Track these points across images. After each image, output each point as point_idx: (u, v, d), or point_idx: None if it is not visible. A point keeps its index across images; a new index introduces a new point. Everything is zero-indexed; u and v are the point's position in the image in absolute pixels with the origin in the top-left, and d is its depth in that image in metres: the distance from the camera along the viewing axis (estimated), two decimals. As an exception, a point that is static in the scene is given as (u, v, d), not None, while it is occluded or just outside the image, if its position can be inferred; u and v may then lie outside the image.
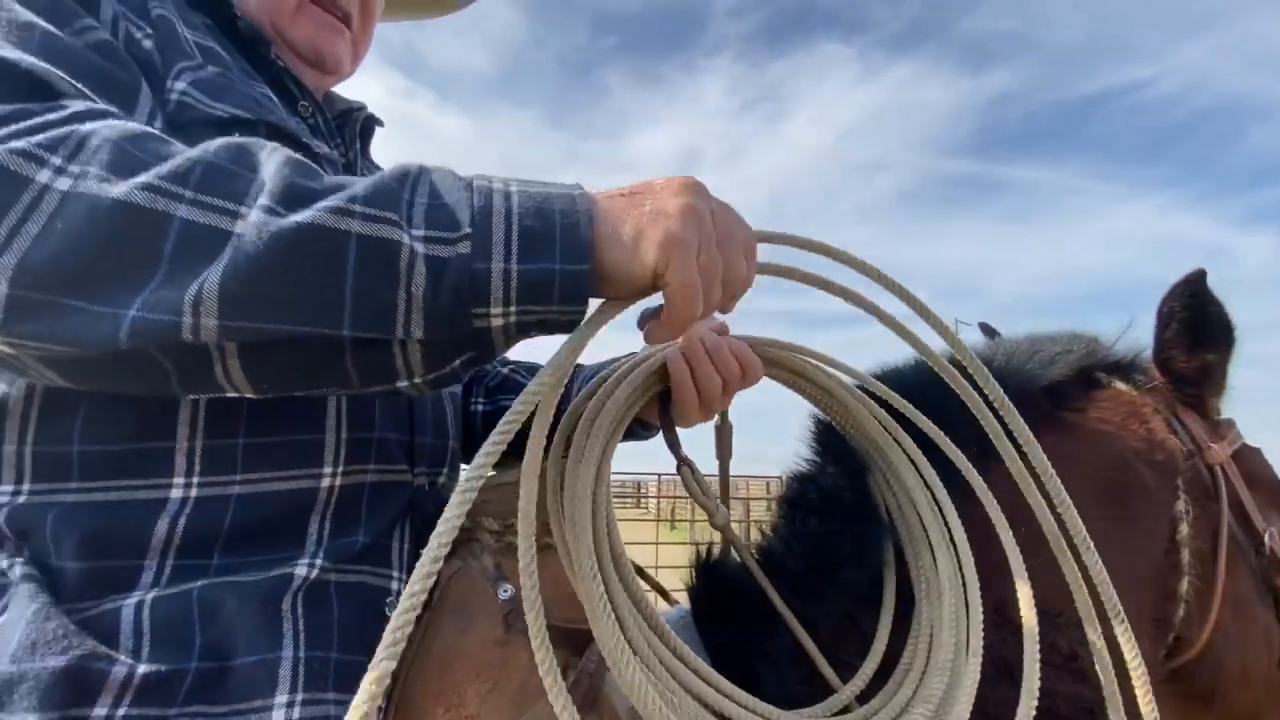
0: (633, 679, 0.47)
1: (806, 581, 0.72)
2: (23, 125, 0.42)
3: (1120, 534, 0.78)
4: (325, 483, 0.57)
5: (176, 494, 0.50)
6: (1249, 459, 0.90)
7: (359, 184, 0.45)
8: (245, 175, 0.44)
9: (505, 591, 0.63)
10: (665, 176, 0.51)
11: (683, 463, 0.74)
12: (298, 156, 0.47)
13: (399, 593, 0.60)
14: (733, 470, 0.81)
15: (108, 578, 0.48)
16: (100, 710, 0.43)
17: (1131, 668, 0.57)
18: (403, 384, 0.48)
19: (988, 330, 1.06)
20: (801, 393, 0.77)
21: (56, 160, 0.41)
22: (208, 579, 0.50)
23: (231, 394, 0.46)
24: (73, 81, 0.48)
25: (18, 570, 0.46)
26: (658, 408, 0.73)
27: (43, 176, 0.40)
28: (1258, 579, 0.84)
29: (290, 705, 0.48)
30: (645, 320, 0.56)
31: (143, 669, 0.45)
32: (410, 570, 0.62)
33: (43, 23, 0.51)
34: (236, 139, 0.47)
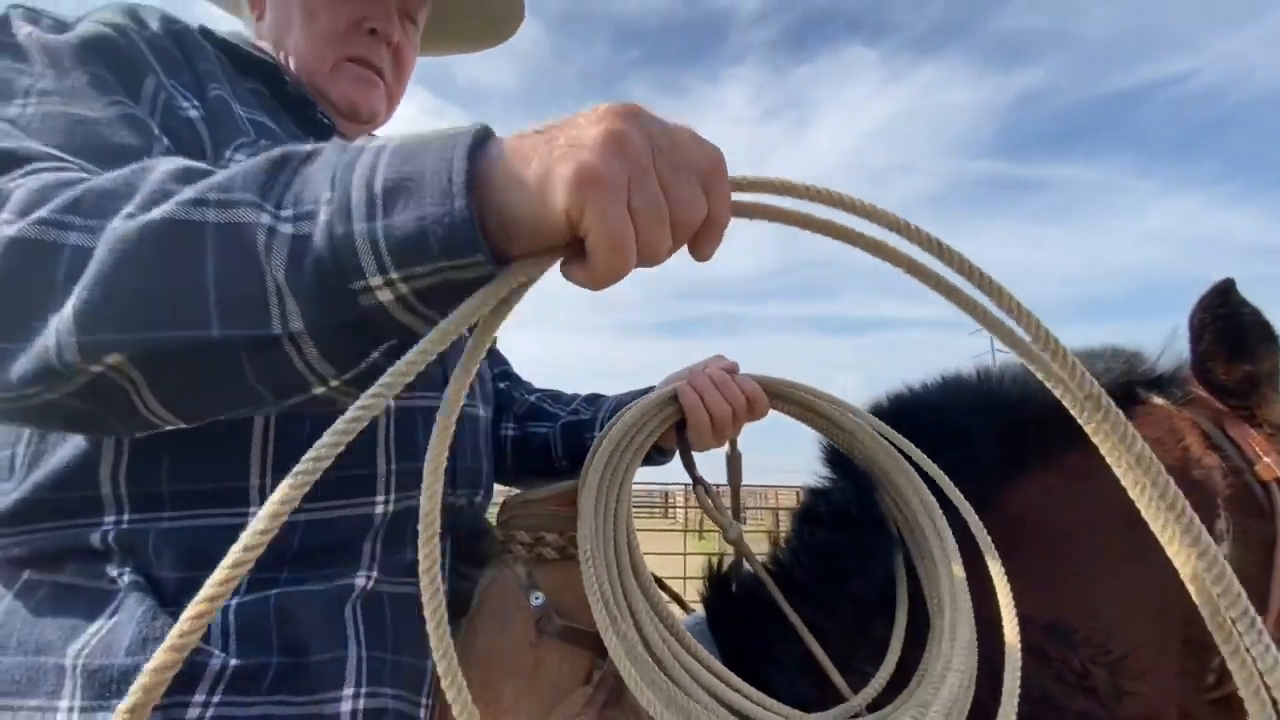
0: (634, 677, 0.52)
1: (816, 591, 0.77)
2: None
3: (1142, 555, 0.75)
4: (379, 509, 0.63)
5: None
6: None
7: (237, 169, 0.42)
8: (133, 187, 0.42)
9: (536, 599, 0.70)
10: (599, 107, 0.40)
11: (697, 482, 0.80)
12: (195, 164, 0.45)
13: (437, 596, 0.67)
14: (764, 481, 0.87)
15: (200, 585, 0.55)
16: (199, 697, 0.50)
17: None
18: (319, 390, 0.44)
19: None
20: (811, 425, 0.83)
21: None
22: (279, 589, 0.57)
23: (167, 426, 0.46)
24: (57, 153, 0.49)
25: (126, 578, 0.53)
26: (675, 434, 0.80)
27: None
28: None
29: (356, 697, 0.55)
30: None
31: (234, 662, 0.52)
32: (449, 581, 0.69)
33: (58, 106, 0.54)
34: (145, 162, 0.45)
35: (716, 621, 0.78)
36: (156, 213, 0.39)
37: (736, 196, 0.44)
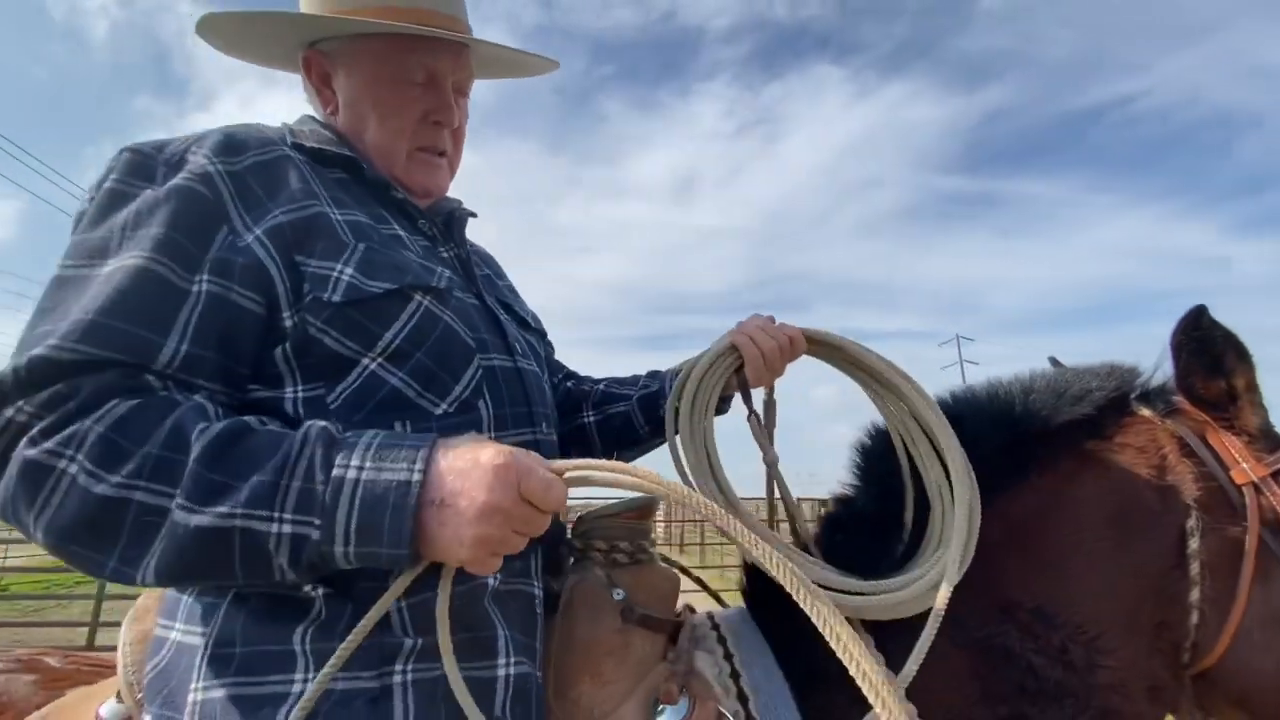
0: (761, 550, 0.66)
1: (844, 522, 0.96)
2: (48, 422, 0.59)
3: (1123, 549, 0.86)
4: None
5: None
6: None
7: (249, 483, 0.59)
8: (177, 464, 0.59)
9: (618, 594, 0.85)
10: (484, 461, 0.61)
11: (752, 413, 0.99)
12: (217, 436, 0.61)
13: (541, 597, 0.81)
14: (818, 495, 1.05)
15: (370, 591, 0.69)
16: (399, 666, 0.66)
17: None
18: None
19: (1055, 363, 1.11)
20: (840, 367, 1.01)
21: (69, 452, 0.58)
22: (435, 590, 0.71)
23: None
24: (121, 348, 0.63)
25: (320, 589, 0.69)
26: (734, 377, 0.98)
27: (60, 465, 0.58)
28: None
29: (508, 665, 0.70)
30: None
31: (420, 641, 0.67)
32: (543, 579, 0.83)
33: (126, 281, 0.65)
34: (179, 421, 0.61)
35: (754, 604, 0.95)
36: (205, 521, 0.58)
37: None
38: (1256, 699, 0.84)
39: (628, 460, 1.02)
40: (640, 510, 0.93)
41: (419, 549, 0.61)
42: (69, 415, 0.60)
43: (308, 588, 0.69)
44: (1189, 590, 0.83)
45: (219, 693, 0.64)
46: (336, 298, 0.73)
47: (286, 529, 0.59)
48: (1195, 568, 0.83)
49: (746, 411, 1.00)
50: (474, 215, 1.06)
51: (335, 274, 0.74)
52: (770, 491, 1.04)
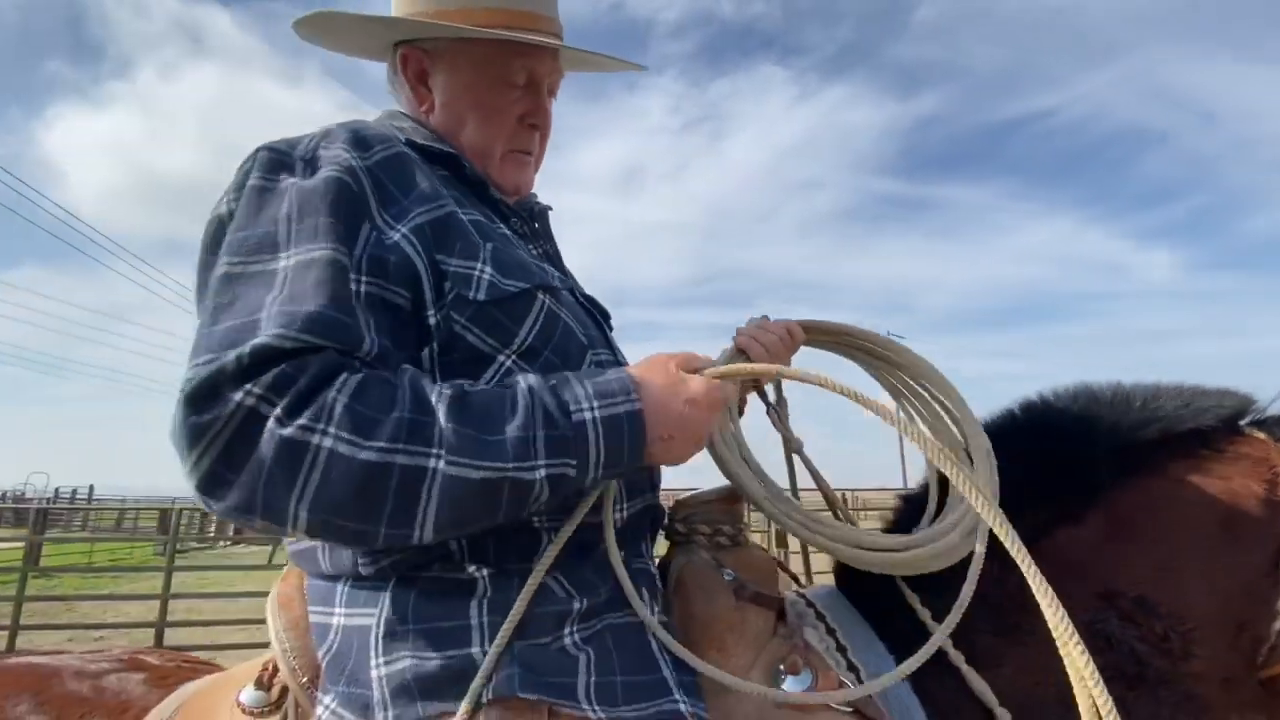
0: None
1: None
2: (288, 401, 0.60)
3: (1225, 551, 0.92)
4: (616, 517, 0.84)
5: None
6: None
7: (509, 438, 0.65)
8: (427, 424, 0.63)
9: (728, 575, 0.90)
10: (690, 383, 0.74)
11: (770, 406, 1.07)
12: (454, 397, 0.66)
13: (653, 570, 0.88)
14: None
15: (522, 574, 0.76)
16: (568, 629, 0.73)
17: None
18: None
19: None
20: (838, 351, 1.09)
21: (320, 426, 0.60)
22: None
23: None
24: (332, 333, 0.65)
25: (485, 570, 0.75)
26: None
27: (315, 440, 0.60)
28: None
29: (652, 613, 0.79)
30: None
31: (585, 602, 0.75)
32: (653, 557, 0.90)
33: (308, 271, 0.68)
34: (414, 383, 0.66)
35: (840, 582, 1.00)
36: (476, 475, 0.63)
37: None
38: None
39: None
40: (734, 495, 0.98)
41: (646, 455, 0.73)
42: (306, 392, 0.61)
43: (471, 568, 0.74)
44: (1277, 598, 0.89)
45: (401, 665, 0.69)
46: (480, 296, 0.78)
47: (544, 473, 0.66)
48: None
49: (765, 408, 1.08)
50: (550, 209, 1.10)
51: (477, 273, 0.79)
52: (792, 473, 1.12)
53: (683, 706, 0.72)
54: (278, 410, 0.60)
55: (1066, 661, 0.63)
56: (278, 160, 0.77)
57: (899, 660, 0.85)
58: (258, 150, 0.79)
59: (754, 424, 1.10)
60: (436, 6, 0.94)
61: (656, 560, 0.94)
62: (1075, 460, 0.96)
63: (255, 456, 0.59)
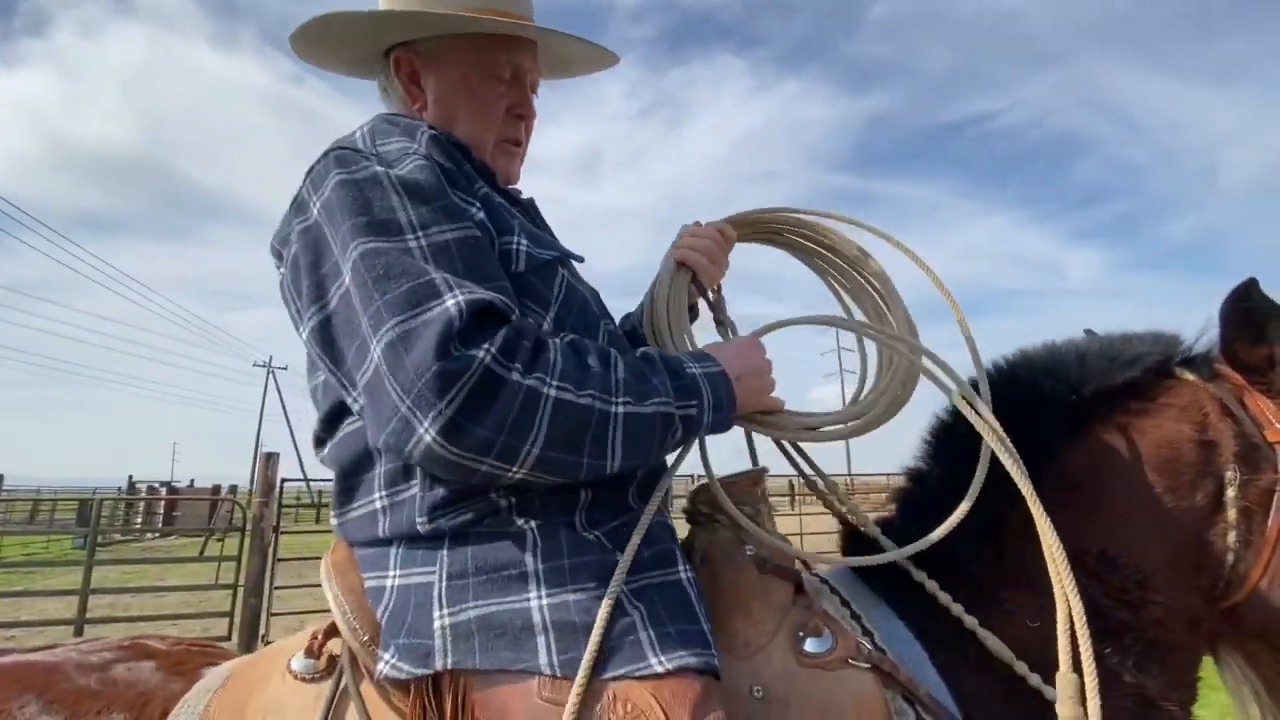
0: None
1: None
2: (522, 360, 0.72)
3: (1170, 497, 0.96)
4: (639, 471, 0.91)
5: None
6: None
7: (656, 379, 0.80)
8: (610, 381, 0.76)
9: (748, 550, 0.97)
10: (743, 347, 0.94)
11: (712, 307, 1.17)
12: (635, 361, 0.82)
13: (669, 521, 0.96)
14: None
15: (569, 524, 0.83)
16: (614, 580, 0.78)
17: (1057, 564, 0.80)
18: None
19: (1090, 333, 1.18)
20: (780, 245, 1.21)
21: (549, 379, 0.72)
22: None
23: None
24: (500, 296, 0.76)
25: (533, 522, 0.80)
26: (692, 288, 1.14)
27: (546, 390, 0.72)
28: None
29: (686, 570, 0.86)
30: None
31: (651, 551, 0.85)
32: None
33: (445, 236, 0.77)
34: (599, 348, 0.81)
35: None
36: (646, 409, 0.78)
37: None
38: (1269, 635, 0.95)
39: None
40: (753, 478, 1.06)
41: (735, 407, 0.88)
42: (533, 351, 0.73)
43: (520, 521, 0.79)
44: (1226, 533, 0.94)
45: (467, 614, 0.74)
46: (520, 268, 0.86)
47: (683, 411, 0.81)
48: (1232, 514, 0.94)
49: (711, 313, 1.19)
50: (533, 200, 1.17)
51: (515, 246, 0.87)
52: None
53: (716, 661, 0.78)
54: (517, 366, 0.71)
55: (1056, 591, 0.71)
56: (352, 156, 0.82)
57: (906, 625, 0.95)
58: (328, 152, 0.84)
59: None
60: (422, 6, 0.99)
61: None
62: (1027, 433, 0.96)
63: (498, 405, 0.69)
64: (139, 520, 17.43)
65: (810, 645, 0.88)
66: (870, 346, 1.20)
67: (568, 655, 0.71)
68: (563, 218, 1.23)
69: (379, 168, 0.80)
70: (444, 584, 0.76)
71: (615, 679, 0.71)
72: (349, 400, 0.82)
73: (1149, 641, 0.92)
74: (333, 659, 0.85)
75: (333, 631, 0.86)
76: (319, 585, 0.86)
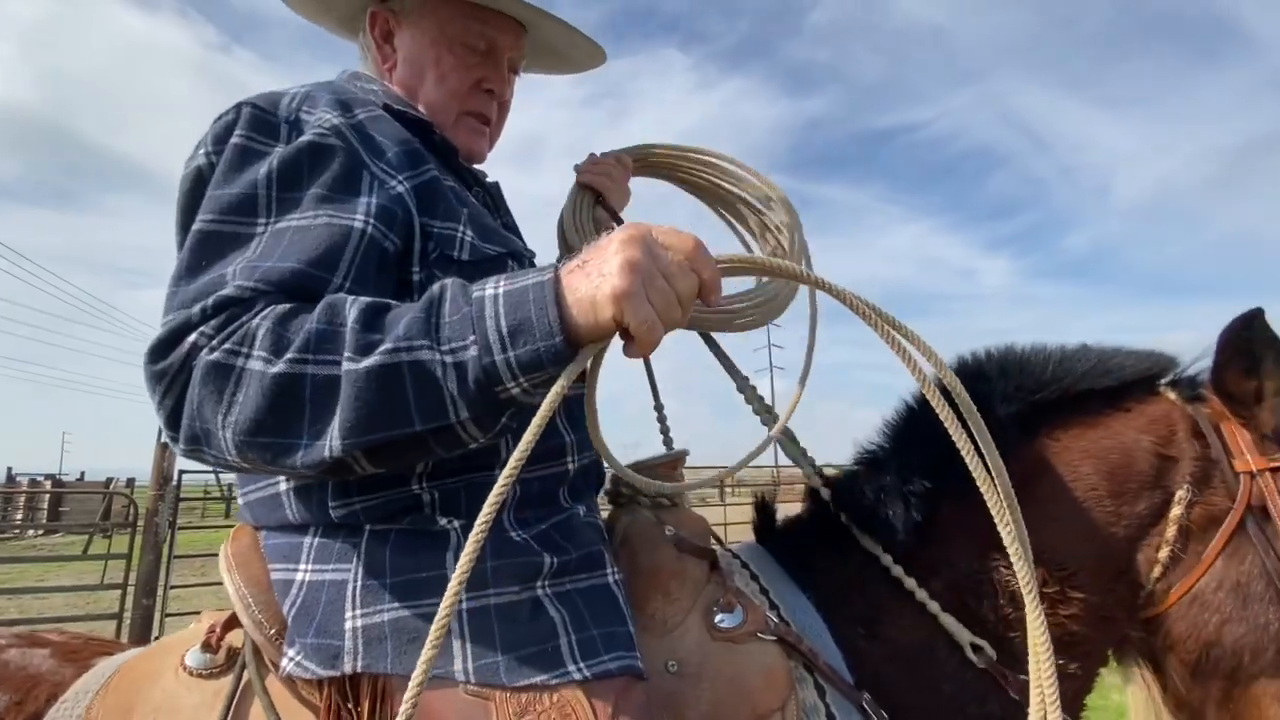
0: None
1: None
2: (223, 333, 0.64)
3: (1109, 500, 0.97)
4: (571, 468, 0.91)
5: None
6: None
7: (403, 322, 0.61)
8: (338, 332, 0.62)
9: (669, 530, 1.00)
10: (613, 235, 0.63)
11: (613, 216, 1.15)
12: (368, 306, 0.64)
13: (601, 524, 0.96)
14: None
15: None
16: (539, 583, 0.77)
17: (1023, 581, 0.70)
18: (473, 445, 0.67)
19: (1084, 346, 1.14)
20: (683, 186, 1.22)
21: (244, 350, 0.63)
22: (549, 521, 0.84)
23: (367, 474, 0.68)
24: (282, 276, 0.67)
25: (457, 523, 0.77)
26: (600, 207, 1.15)
27: (239, 363, 0.63)
28: (1275, 577, 0.91)
29: (614, 573, 0.84)
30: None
31: (555, 560, 0.80)
32: (600, 516, 0.97)
33: (290, 222, 0.71)
34: (331, 300, 0.65)
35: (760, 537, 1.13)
36: (373, 361, 0.60)
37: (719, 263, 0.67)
38: (1186, 647, 0.95)
39: None
40: (674, 462, 1.08)
41: (572, 336, 0.60)
42: (240, 322, 0.65)
43: (443, 521, 0.77)
44: (1159, 547, 0.95)
45: (380, 618, 0.71)
46: (464, 256, 0.82)
47: (449, 357, 0.60)
48: (1171, 531, 0.95)
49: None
50: (498, 184, 1.15)
51: (459, 235, 0.83)
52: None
53: (638, 663, 0.76)
54: (212, 341, 0.64)
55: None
56: (262, 120, 0.78)
57: (809, 598, 1.00)
58: (241, 105, 0.79)
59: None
60: None
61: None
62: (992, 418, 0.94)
63: (191, 380, 0.64)
64: (19, 516, 15.84)
65: (722, 620, 0.91)
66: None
67: (484, 661, 0.70)
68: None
69: (276, 145, 0.77)
70: (359, 583, 0.73)
71: (533, 686, 0.69)
72: None
73: (1061, 633, 0.93)
74: (232, 653, 0.81)
75: (232, 624, 0.82)
76: (221, 583, 0.82)
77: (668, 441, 1.15)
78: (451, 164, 0.98)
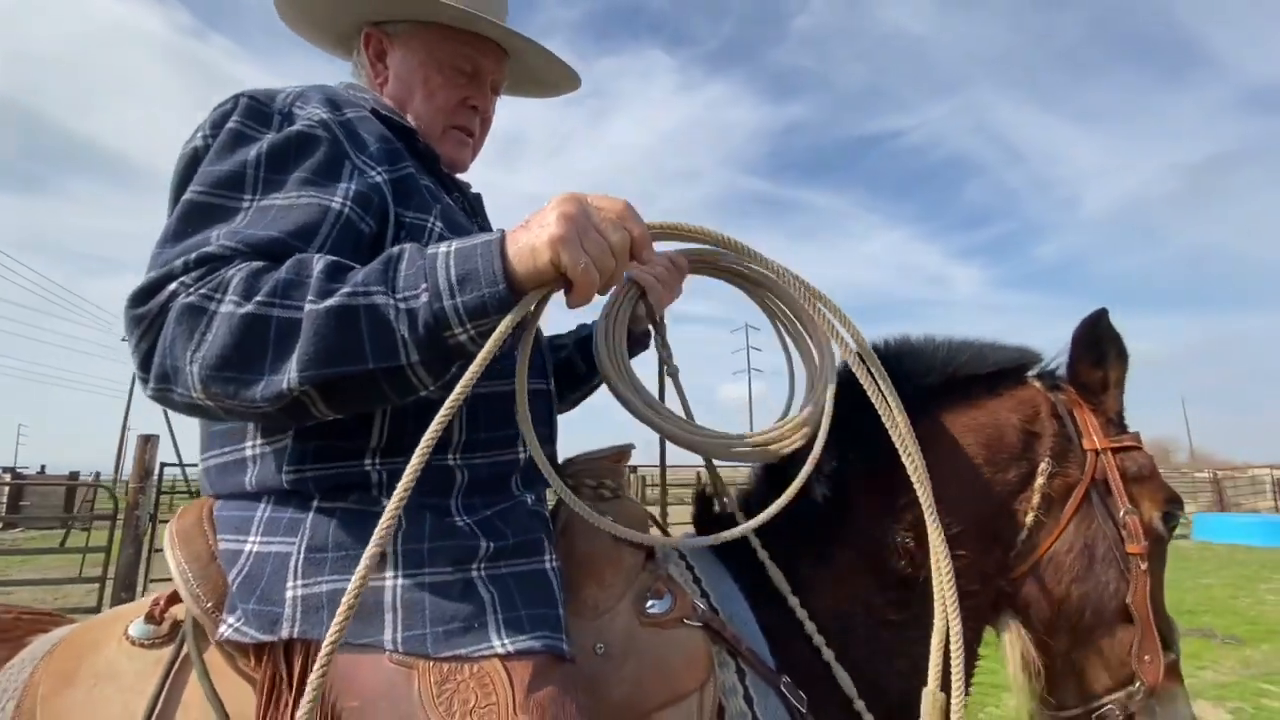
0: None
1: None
2: (200, 281, 0.69)
3: (986, 470, 1.08)
4: (522, 457, 0.94)
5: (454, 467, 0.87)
6: (1133, 459, 1.11)
7: (363, 273, 0.68)
8: (306, 282, 0.68)
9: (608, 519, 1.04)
10: (551, 199, 0.71)
11: (659, 331, 1.16)
12: (341, 263, 0.70)
13: (547, 514, 0.99)
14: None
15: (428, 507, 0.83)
16: (474, 565, 0.80)
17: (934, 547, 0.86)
18: (423, 392, 0.72)
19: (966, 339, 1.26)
20: (729, 281, 1.18)
21: (218, 295, 0.68)
22: (494, 508, 0.88)
23: (325, 419, 0.73)
24: (260, 242, 0.73)
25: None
26: (642, 304, 1.13)
27: (211, 306, 0.68)
28: (1113, 543, 1.05)
29: (552, 559, 0.87)
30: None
31: (492, 544, 0.83)
32: (547, 506, 1.01)
33: (275, 200, 0.78)
34: (300, 257, 0.71)
35: (700, 528, 1.17)
36: (332, 301, 0.66)
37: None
38: (1037, 605, 1.07)
39: (570, 399, 1.30)
40: (618, 455, 1.12)
41: (515, 283, 0.68)
42: (218, 273, 0.70)
43: (385, 501, 0.79)
44: (1027, 512, 1.07)
45: (319, 589, 0.75)
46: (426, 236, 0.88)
47: (403, 304, 0.67)
48: (1037, 498, 1.07)
49: (653, 333, 1.19)
50: (481, 195, 1.21)
51: (429, 225, 0.89)
52: (662, 389, 1.19)
53: (563, 645, 0.79)
54: (190, 287, 0.69)
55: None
56: (258, 110, 0.85)
57: (742, 589, 1.04)
58: (239, 96, 0.85)
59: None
60: None
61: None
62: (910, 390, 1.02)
63: (166, 320, 0.69)
64: (-25, 508, 15.66)
65: (652, 607, 0.95)
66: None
67: (412, 633, 0.73)
68: (485, 202, 1.25)
69: (267, 132, 0.83)
70: (301, 555, 0.77)
71: (457, 657, 0.73)
72: None
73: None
74: (176, 624, 0.84)
75: (176, 598, 0.85)
76: None
77: (687, 409, 1.15)
78: (432, 168, 1.04)
